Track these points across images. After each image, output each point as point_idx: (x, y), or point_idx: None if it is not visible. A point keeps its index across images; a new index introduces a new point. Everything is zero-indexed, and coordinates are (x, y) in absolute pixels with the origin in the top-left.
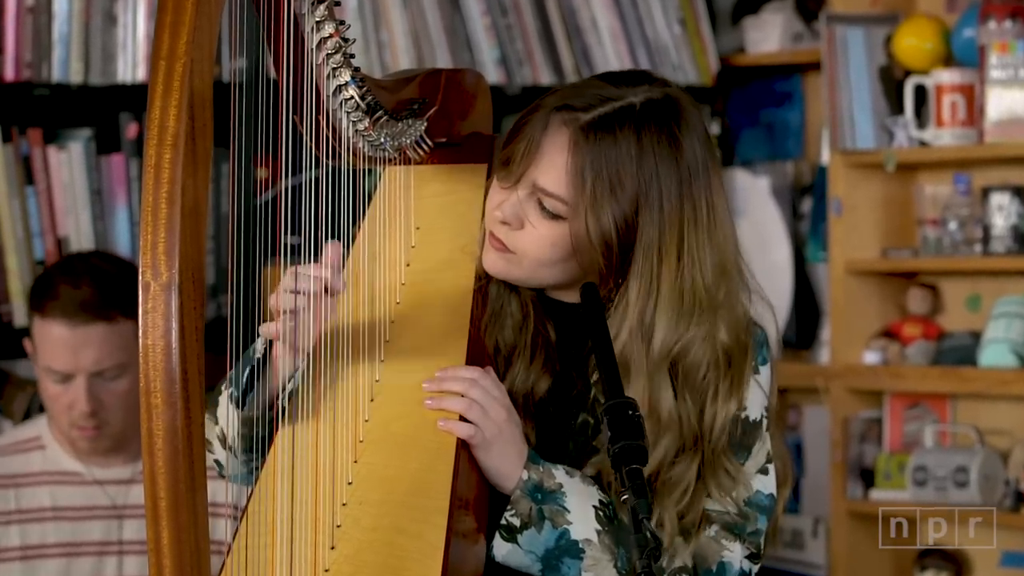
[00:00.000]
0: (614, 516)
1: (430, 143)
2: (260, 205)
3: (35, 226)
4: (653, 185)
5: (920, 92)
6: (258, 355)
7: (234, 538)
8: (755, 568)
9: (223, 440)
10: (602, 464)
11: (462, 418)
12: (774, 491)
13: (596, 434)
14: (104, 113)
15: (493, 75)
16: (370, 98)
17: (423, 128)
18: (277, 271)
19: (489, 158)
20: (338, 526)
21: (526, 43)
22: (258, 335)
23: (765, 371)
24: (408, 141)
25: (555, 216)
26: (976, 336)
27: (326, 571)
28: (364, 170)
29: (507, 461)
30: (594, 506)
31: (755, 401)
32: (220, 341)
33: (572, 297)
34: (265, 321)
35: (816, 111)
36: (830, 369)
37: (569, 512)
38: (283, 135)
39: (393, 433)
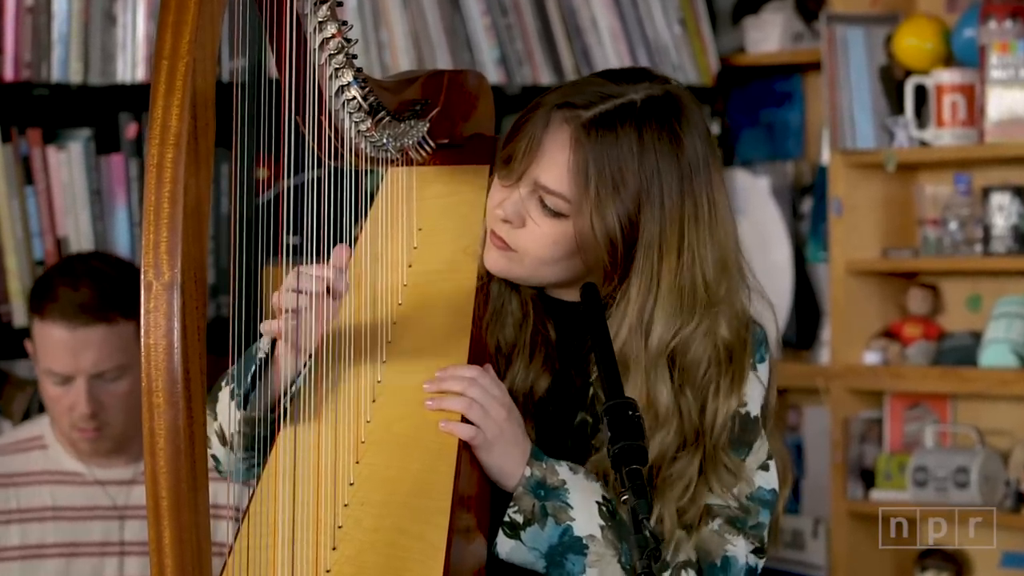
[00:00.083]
0: (616, 512)
1: (432, 144)
2: (262, 204)
3: (34, 226)
4: (654, 182)
5: (920, 92)
6: (261, 355)
7: (236, 539)
8: (760, 563)
9: (221, 436)
10: (601, 463)
11: (464, 419)
12: (776, 487)
13: (595, 433)
14: (103, 113)
15: (493, 75)
16: (372, 99)
17: (425, 129)
18: (279, 271)
19: (491, 159)
20: (340, 527)
21: (526, 43)
22: (259, 335)
23: (763, 368)
24: (410, 142)
25: (557, 214)
26: (976, 336)
27: (327, 572)
28: (366, 170)
29: (509, 459)
30: (597, 502)
31: (754, 397)
32: (220, 341)
33: (572, 296)
34: (267, 320)
35: (816, 111)
36: (830, 369)
37: (572, 508)
38: (285, 135)
39: (395, 434)
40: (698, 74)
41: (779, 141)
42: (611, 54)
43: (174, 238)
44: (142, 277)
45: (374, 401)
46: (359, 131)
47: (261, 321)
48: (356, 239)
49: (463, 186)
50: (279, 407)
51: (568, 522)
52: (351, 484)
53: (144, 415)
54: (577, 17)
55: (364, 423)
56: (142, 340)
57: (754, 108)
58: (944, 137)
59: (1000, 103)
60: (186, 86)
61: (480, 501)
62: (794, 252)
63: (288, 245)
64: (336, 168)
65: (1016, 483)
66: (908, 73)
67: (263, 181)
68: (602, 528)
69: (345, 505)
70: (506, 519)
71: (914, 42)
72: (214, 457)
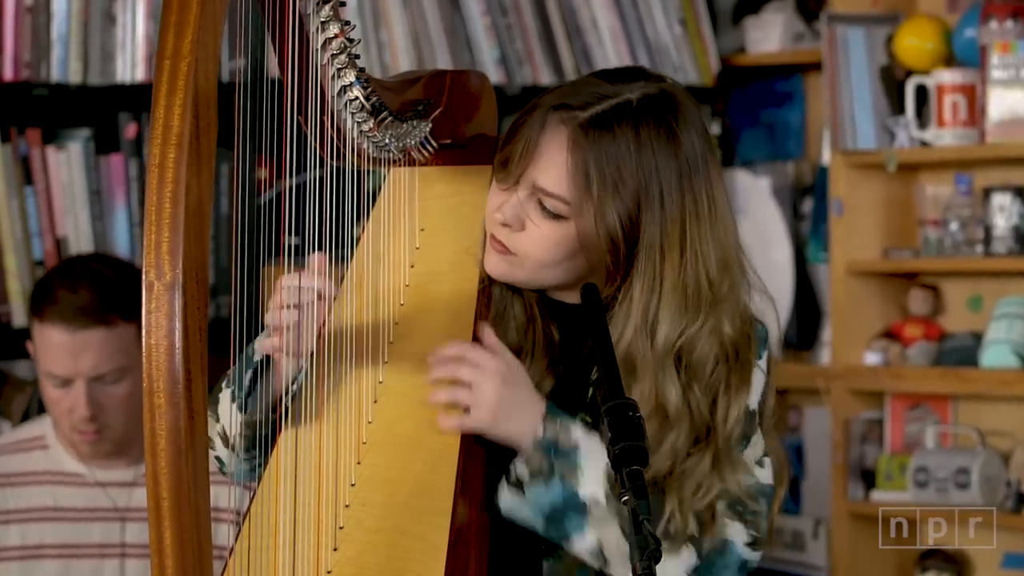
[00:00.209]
0: None
1: (435, 144)
2: (264, 204)
3: (34, 226)
4: (653, 180)
5: (921, 92)
6: (258, 357)
7: (236, 540)
8: (756, 557)
9: (224, 438)
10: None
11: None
12: (770, 482)
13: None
14: (103, 113)
15: (493, 75)
16: (375, 99)
17: (428, 129)
18: (279, 271)
19: (493, 160)
20: (341, 528)
21: (526, 43)
22: (260, 335)
23: (762, 365)
24: (413, 142)
25: (556, 216)
26: (977, 337)
27: (329, 573)
28: (368, 171)
29: (517, 425)
30: (606, 463)
31: (754, 392)
32: (220, 342)
33: (574, 298)
34: (261, 339)
35: (817, 111)
36: (831, 370)
37: (581, 470)
38: (287, 135)
39: (396, 435)
40: (698, 74)
41: (780, 141)
42: (611, 54)
43: (176, 238)
44: (144, 277)
45: (376, 402)
46: (361, 131)
47: (262, 321)
48: (358, 239)
49: (465, 186)
50: (280, 408)
51: (574, 484)
52: (352, 485)
53: (145, 415)
54: (577, 17)
55: (366, 424)
56: (143, 340)
57: (755, 108)
58: (945, 137)
59: (1001, 103)
60: (188, 86)
61: (482, 502)
62: (795, 252)
63: (289, 245)
64: (337, 168)
65: (1017, 484)
66: (909, 73)
67: (264, 181)
68: (607, 491)
69: (346, 506)
70: (512, 473)
71: (915, 42)
72: (218, 459)
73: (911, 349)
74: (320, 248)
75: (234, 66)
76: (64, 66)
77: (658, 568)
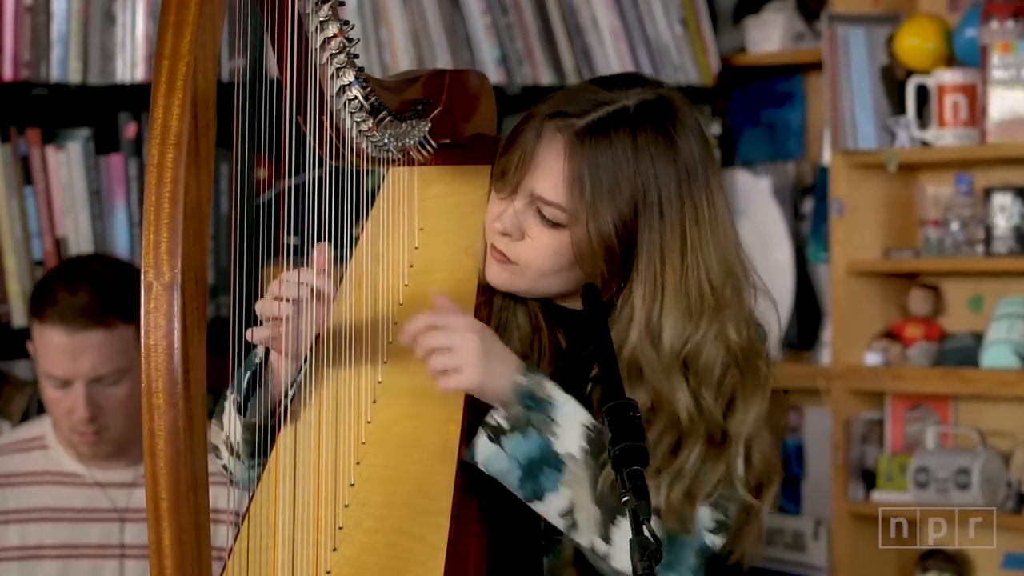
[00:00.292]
0: (600, 443)
1: (434, 144)
2: (263, 204)
3: (33, 226)
4: (652, 186)
5: (922, 92)
6: (257, 360)
7: (236, 540)
8: (718, 543)
9: (229, 446)
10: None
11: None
12: (742, 473)
13: None
14: (103, 113)
15: (493, 75)
16: (374, 99)
17: (427, 129)
18: (279, 271)
19: (493, 159)
20: (340, 528)
21: (526, 42)
22: None
23: None
24: (412, 142)
25: (555, 224)
26: (978, 337)
27: (328, 573)
28: (367, 170)
29: (500, 377)
30: (583, 424)
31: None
32: (219, 342)
33: (577, 304)
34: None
35: (817, 111)
36: (831, 370)
37: (557, 424)
38: (286, 135)
39: (396, 435)
40: (699, 74)
41: (780, 141)
42: (612, 54)
43: (174, 238)
44: (142, 277)
45: (375, 402)
46: (360, 131)
47: (260, 323)
48: (357, 239)
49: (465, 186)
50: (279, 411)
51: (551, 436)
52: (352, 485)
53: (144, 416)
54: (578, 16)
55: (365, 424)
56: (142, 341)
57: (755, 108)
58: (946, 137)
59: (1002, 103)
60: (187, 86)
61: (481, 502)
62: (795, 252)
63: (288, 245)
64: (336, 168)
65: (1017, 484)
66: (909, 73)
67: (263, 181)
68: (584, 451)
69: (346, 506)
70: (490, 421)
71: (916, 42)
72: (225, 467)
73: (912, 349)
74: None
75: (233, 66)
76: (64, 66)
77: (621, 537)
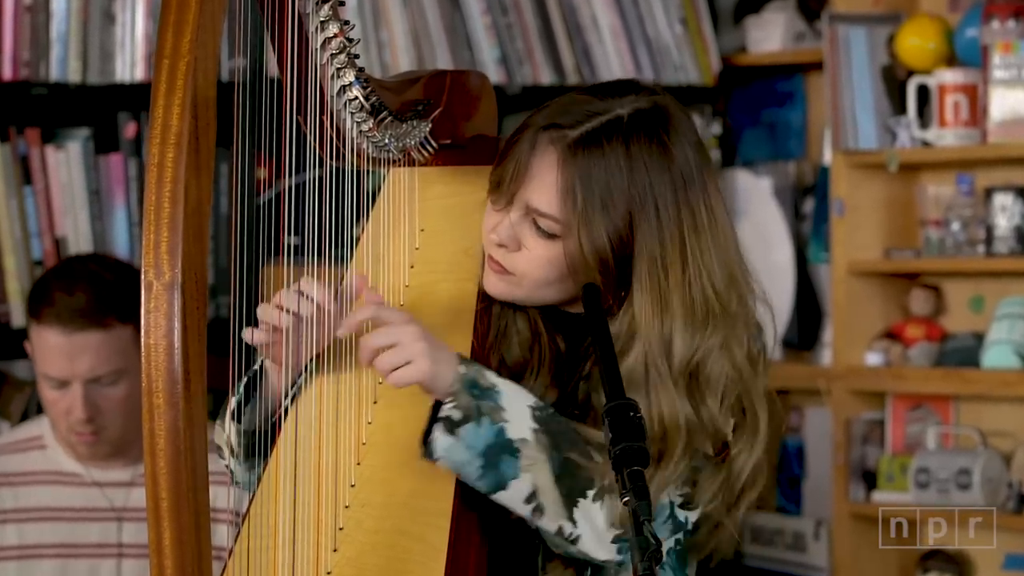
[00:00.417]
0: (549, 420)
1: (434, 145)
2: (263, 204)
3: (33, 226)
4: (647, 195)
5: (923, 92)
6: (256, 365)
7: (236, 540)
8: (691, 517)
9: (231, 448)
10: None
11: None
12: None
13: None
14: (102, 113)
15: (493, 74)
16: (374, 99)
17: (427, 129)
18: (279, 271)
19: (493, 160)
20: (340, 528)
21: (526, 42)
22: None
23: None
24: (412, 142)
25: (551, 236)
26: (979, 337)
27: (328, 573)
28: (367, 171)
29: (444, 368)
30: (529, 406)
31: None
32: (219, 342)
33: (578, 309)
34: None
35: (818, 111)
36: (832, 370)
37: (504, 410)
38: (286, 135)
39: (396, 435)
40: (699, 74)
41: (781, 141)
42: (612, 53)
43: (175, 238)
44: (143, 277)
45: (375, 402)
46: (361, 131)
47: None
48: (357, 240)
49: (465, 187)
50: (279, 414)
51: (503, 423)
52: (352, 485)
53: (144, 416)
54: (578, 16)
55: (365, 424)
56: (142, 340)
57: (756, 108)
58: (946, 137)
59: (1003, 103)
60: (187, 86)
61: (481, 502)
62: (796, 253)
63: (288, 245)
64: (337, 168)
65: (1018, 485)
66: (910, 73)
67: (263, 181)
68: (535, 432)
69: (346, 506)
70: (443, 414)
71: (916, 42)
72: (229, 468)
73: (912, 349)
74: (319, 249)
75: (233, 65)
76: (63, 65)
77: (583, 518)
